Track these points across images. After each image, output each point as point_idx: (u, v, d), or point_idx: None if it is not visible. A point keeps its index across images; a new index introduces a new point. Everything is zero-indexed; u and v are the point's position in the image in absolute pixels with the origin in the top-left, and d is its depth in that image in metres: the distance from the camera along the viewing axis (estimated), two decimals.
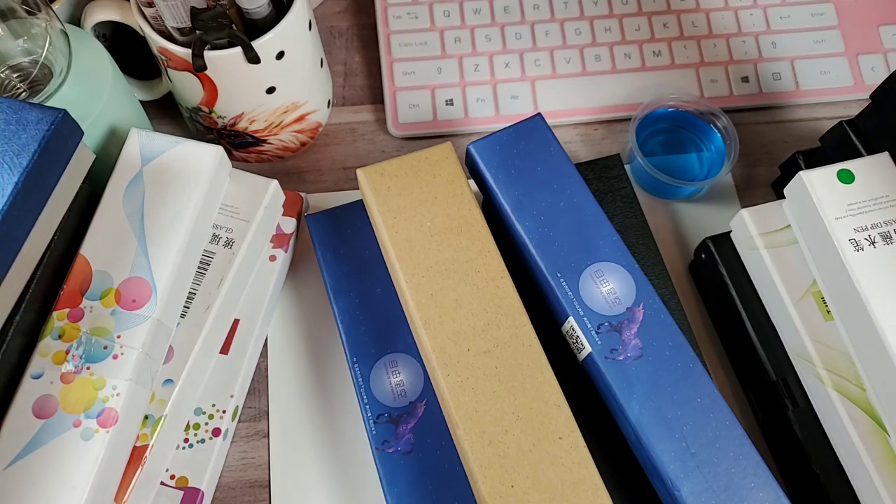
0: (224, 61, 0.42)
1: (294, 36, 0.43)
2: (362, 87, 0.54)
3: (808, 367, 0.40)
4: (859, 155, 0.43)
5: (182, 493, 0.40)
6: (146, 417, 0.37)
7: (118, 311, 0.36)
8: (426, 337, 0.36)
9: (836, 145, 0.45)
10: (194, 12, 0.39)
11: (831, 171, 0.39)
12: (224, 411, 0.42)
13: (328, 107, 0.52)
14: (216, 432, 0.41)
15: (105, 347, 0.35)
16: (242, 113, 0.46)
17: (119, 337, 0.36)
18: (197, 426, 0.41)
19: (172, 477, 0.40)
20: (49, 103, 0.39)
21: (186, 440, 0.41)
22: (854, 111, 0.50)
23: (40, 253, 0.36)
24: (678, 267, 0.48)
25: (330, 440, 0.44)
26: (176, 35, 0.41)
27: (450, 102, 0.52)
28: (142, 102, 0.48)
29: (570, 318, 0.38)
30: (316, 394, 0.45)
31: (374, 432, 0.39)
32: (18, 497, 0.33)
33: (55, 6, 0.45)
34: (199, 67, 0.41)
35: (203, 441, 0.41)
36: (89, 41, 0.42)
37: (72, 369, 0.35)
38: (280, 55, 0.43)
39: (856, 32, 0.54)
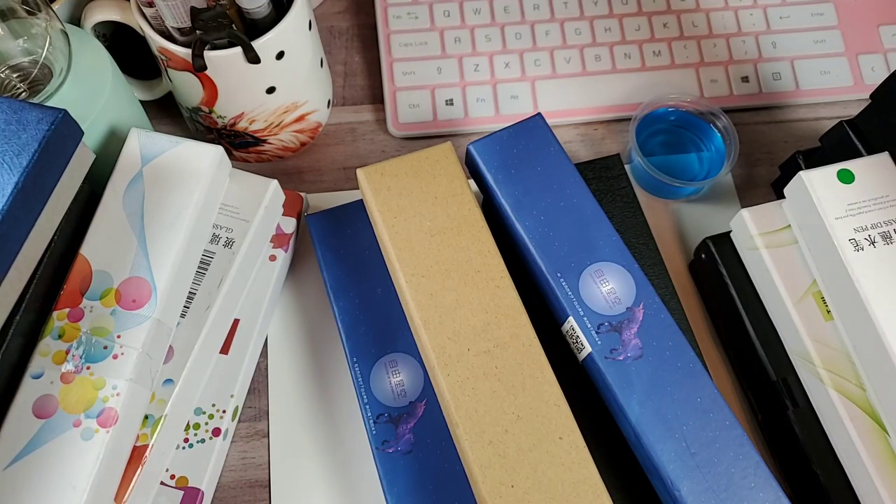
0: (224, 61, 0.42)
1: (294, 36, 0.43)
2: (362, 87, 0.54)
3: (808, 367, 0.40)
4: (859, 155, 0.43)
5: (182, 493, 0.40)
6: (146, 417, 0.37)
7: (118, 311, 0.36)
8: (426, 337, 0.36)
9: (836, 145, 0.45)
10: (194, 12, 0.39)
11: (831, 171, 0.39)
12: (224, 411, 0.42)
13: (328, 107, 0.52)
14: (216, 432, 0.41)
15: (105, 347, 0.35)
16: (242, 113, 0.46)
17: (119, 337, 0.36)
18: (197, 426, 0.41)
19: (172, 477, 0.40)
20: (49, 103, 0.39)
21: (186, 440, 0.41)
22: (854, 111, 0.50)
23: (40, 253, 0.36)
24: (678, 267, 0.48)
25: (330, 440, 0.44)
26: (176, 35, 0.41)
27: (450, 102, 0.52)
28: (142, 102, 0.48)
29: (570, 318, 0.38)
30: (316, 394, 0.45)
31: (374, 432, 0.39)
32: (18, 497, 0.33)
33: (55, 6, 0.45)
34: (199, 67, 0.41)
35: (203, 441, 0.41)
36: (89, 41, 0.42)
37: (72, 369, 0.35)
38: (280, 55, 0.43)
39: (856, 32, 0.54)
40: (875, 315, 0.36)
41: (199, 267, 0.41)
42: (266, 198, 0.43)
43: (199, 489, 0.40)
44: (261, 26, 0.42)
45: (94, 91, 0.40)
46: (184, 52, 0.41)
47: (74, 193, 0.38)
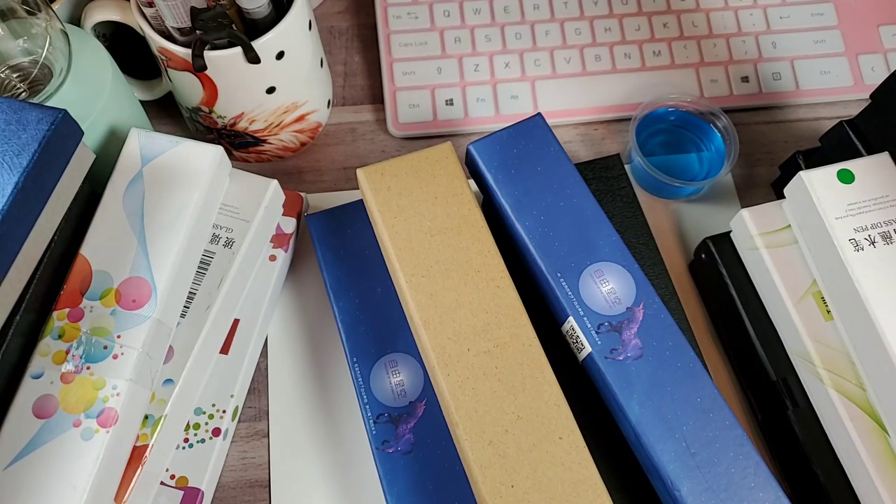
0: (224, 61, 0.42)
1: (294, 36, 0.43)
2: (362, 87, 0.54)
3: (808, 367, 0.40)
4: (859, 155, 0.43)
5: (182, 493, 0.40)
6: (146, 417, 0.37)
7: (118, 311, 0.36)
8: (426, 337, 0.36)
9: (836, 145, 0.45)
10: (194, 12, 0.39)
11: (831, 171, 0.39)
12: (224, 411, 0.42)
13: (328, 107, 0.52)
14: (216, 432, 0.41)
15: (105, 347, 0.35)
16: (242, 113, 0.46)
17: (119, 337, 0.36)
18: (197, 426, 0.41)
19: (172, 477, 0.40)
20: (49, 103, 0.39)
21: (186, 440, 0.41)
22: (854, 111, 0.50)
23: (40, 253, 0.36)
24: (678, 267, 0.48)
25: (330, 440, 0.44)
26: (176, 35, 0.41)
27: (450, 102, 0.52)
28: (142, 102, 0.48)
29: (570, 318, 0.38)
30: (316, 394, 0.45)
31: (374, 432, 0.39)
32: (18, 497, 0.33)
33: (55, 6, 0.45)
34: (199, 67, 0.41)
35: (203, 441, 0.41)
36: (89, 41, 0.42)
37: (72, 369, 0.35)
38: (280, 55, 0.43)
39: (856, 32, 0.54)
40: (875, 315, 0.36)
41: (199, 267, 0.41)
42: (266, 198, 0.43)
43: (199, 489, 0.40)
44: (261, 26, 0.42)
45: (94, 91, 0.40)
46: (184, 52, 0.41)
47: (74, 193, 0.38)
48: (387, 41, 0.54)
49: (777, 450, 0.42)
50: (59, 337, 0.36)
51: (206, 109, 0.46)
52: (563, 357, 0.39)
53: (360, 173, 0.40)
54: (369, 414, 0.39)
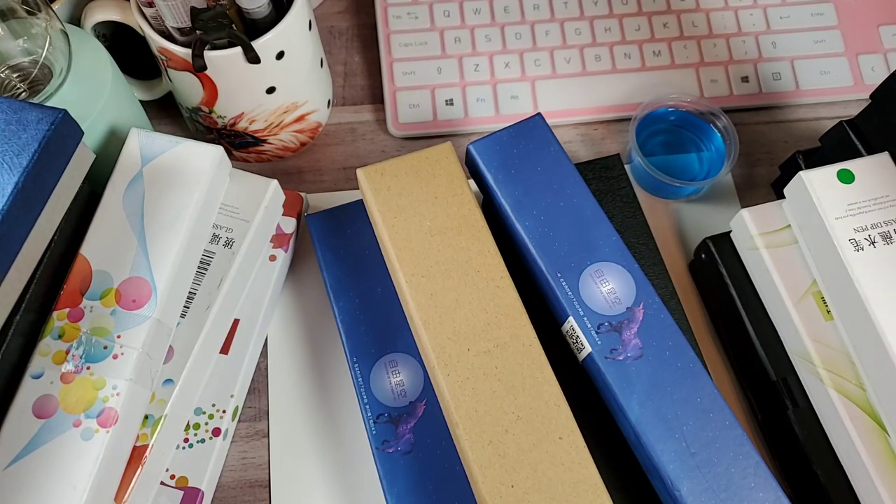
0: (224, 61, 0.42)
1: (294, 36, 0.43)
2: (362, 87, 0.54)
3: (808, 367, 0.40)
4: (859, 155, 0.43)
5: (182, 493, 0.40)
6: (146, 417, 0.37)
7: (118, 311, 0.36)
8: (426, 337, 0.36)
9: (836, 145, 0.45)
10: (194, 12, 0.39)
11: (831, 171, 0.39)
12: (224, 411, 0.42)
13: (328, 107, 0.52)
14: (216, 432, 0.41)
15: (105, 347, 0.35)
16: (242, 113, 0.46)
17: (119, 337, 0.36)
18: (197, 426, 0.41)
19: (172, 477, 0.40)
20: (49, 103, 0.39)
21: (186, 440, 0.41)
22: (854, 111, 0.50)
23: (40, 253, 0.36)
24: (678, 267, 0.48)
25: (330, 440, 0.44)
26: (176, 35, 0.41)
27: (450, 102, 0.52)
28: (142, 102, 0.48)
29: (570, 318, 0.38)
30: (316, 394, 0.45)
31: (374, 432, 0.39)
32: (18, 497, 0.33)
33: (55, 6, 0.45)
34: (199, 67, 0.41)
35: (203, 441, 0.41)
36: (89, 41, 0.42)
37: (72, 369, 0.35)
38: (280, 55, 0.43)
39: (856, 32, 0.54)
40: (875, 315, 0.36)
41: (199, 267, 0.41)
42: (266, 198, 0.43)
43: (199, 489, 0.40)
44: (261, 26, 0.42)
45: (94, 91, 0.40)
46: (184, 52, 0.41)
47: (74, 193, 0.38)
48: (387, 41, 0.54)
49: (777, 450, 0.42)
50: (59, 337, 0.36)
51: (206, 109, 0.46)
52: (563, 357, 0.39)
53: (360, 173, 0.40)
54: (369, 414, 0.39)
